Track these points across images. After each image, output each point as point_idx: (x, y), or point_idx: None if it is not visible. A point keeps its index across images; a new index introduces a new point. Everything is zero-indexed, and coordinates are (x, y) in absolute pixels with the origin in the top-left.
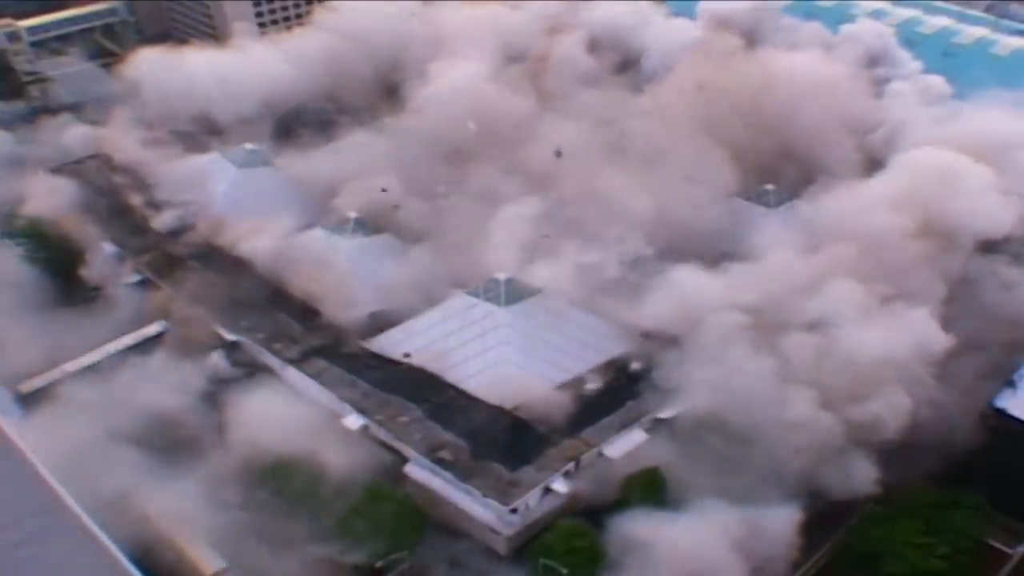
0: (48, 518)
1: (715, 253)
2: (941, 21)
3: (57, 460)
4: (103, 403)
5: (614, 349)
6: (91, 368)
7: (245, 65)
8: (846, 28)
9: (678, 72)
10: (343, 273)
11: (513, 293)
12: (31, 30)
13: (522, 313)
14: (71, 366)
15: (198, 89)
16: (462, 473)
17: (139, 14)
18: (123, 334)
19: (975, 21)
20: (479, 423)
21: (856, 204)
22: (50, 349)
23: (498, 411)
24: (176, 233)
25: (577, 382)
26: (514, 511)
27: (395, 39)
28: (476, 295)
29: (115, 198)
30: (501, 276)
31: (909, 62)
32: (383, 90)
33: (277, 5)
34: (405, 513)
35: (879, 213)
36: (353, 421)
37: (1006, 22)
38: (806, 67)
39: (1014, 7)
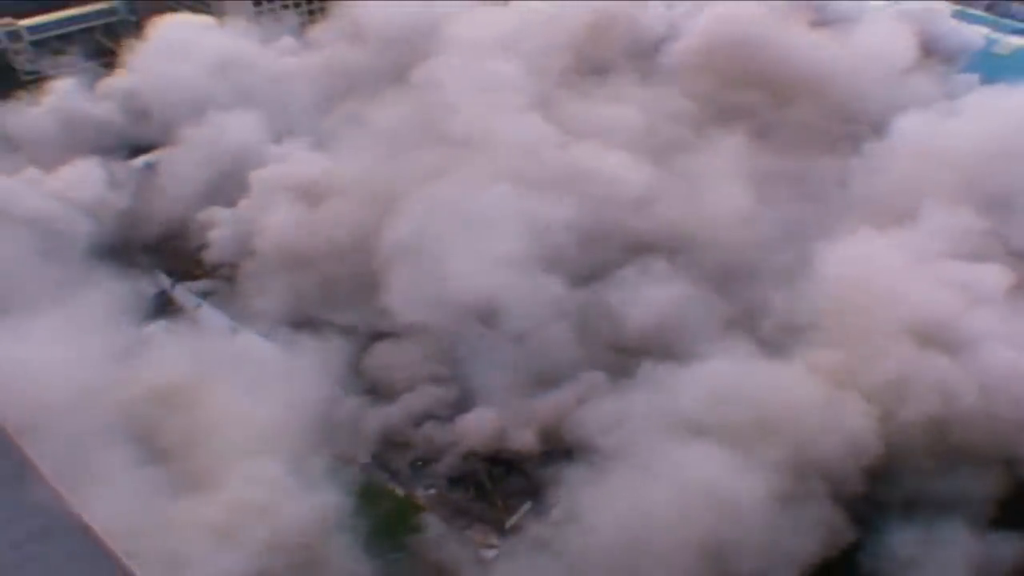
0: (48, 517)
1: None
2: None
3: None
4: None
5: None
6: None
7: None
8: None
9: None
10: None
11: None
12: (31, 29)
13: None
14: None
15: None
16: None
17: (140, 14)
18: None
19: (975, 20)
20: None
21: None
22: None
23: None
24: None
25: None
26: None
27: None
28: None
29: None
30: None
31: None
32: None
33: (277, 5)
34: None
35: None
36: None
37: (1006, 21)
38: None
39: (1015, 7)
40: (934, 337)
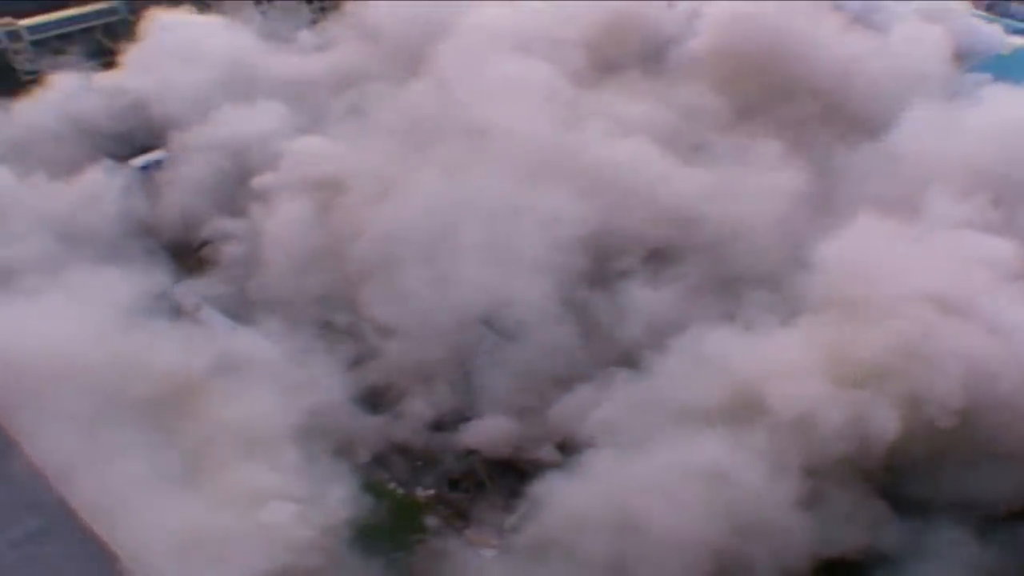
0: (47, 517)
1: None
2: None
3: None
4: None
5: None
6: None
7: None
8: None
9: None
10: None
11: None
12: (32, 29)
13: None
14: None
15: None
16: None
17: (139, 14)
18: None
19: None
20: None
21: None
22: None
23: None
24: None
25: None
26: None
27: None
28: None
29: None
30: None
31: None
32: None
33: (278, 5)
34: (402, 512)
35: None
36: None
37: (1007, 21)
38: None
39: (1014, 7)
40: (951, 307)
